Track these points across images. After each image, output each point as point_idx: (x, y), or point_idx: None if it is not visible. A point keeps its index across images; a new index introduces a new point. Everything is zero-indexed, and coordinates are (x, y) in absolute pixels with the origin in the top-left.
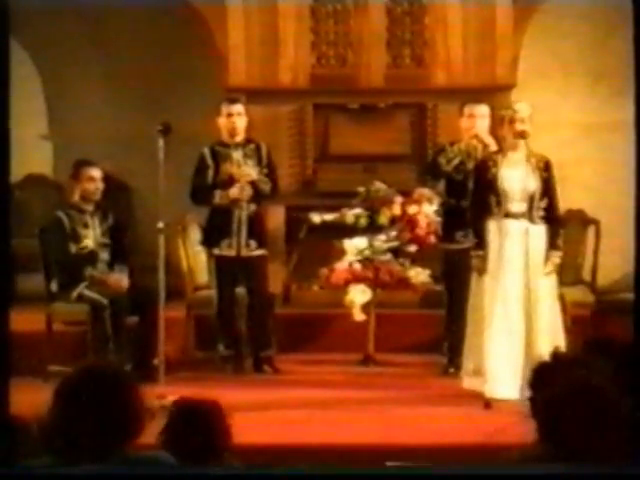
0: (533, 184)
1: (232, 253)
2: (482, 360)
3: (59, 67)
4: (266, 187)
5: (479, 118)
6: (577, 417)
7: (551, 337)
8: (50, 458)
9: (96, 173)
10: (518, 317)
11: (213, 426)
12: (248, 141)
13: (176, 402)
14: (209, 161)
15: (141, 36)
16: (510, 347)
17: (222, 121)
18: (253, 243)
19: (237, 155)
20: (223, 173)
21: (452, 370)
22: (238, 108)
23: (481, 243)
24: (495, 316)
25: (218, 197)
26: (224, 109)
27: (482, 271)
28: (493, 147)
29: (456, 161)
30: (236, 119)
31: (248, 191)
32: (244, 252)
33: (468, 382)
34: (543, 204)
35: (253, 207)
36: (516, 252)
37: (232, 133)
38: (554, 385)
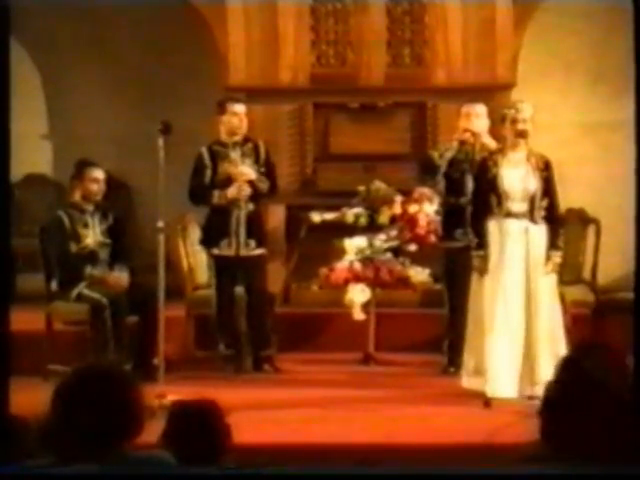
0: (534, 184)
1: (231, 253)
2: (482, 359)
3: (59, 66)
4: (264, 186)
5: (475, 117)
6: (580, 415)
7: (551, 336)
8: (50, 458)
9: (99, 174)
10: (518, 316)
11: (212, 427)
12: (246, 140)
13: (174, 405)
14: (207, 161)
15: (141, 35)
16: (510, 346)
17: (226, 119)
18: (252, 242)
19: (235, 154)
20: (221, 173)
21: (452, 369)
22: (243, 108)
23: (482, 243)
24: (496, 316)
25: (216, 197)
26: (230, 108)
27: (483, 271)
28: (489, 141)
29: (448, 154)
30: (241, 118)
31: (246, 191)
32: (243, 252)
33: (468, 381)
34: (544, 204)
35: (252, 206)
36: (517, 252)
37: (235, 132)
38: (556, 382)
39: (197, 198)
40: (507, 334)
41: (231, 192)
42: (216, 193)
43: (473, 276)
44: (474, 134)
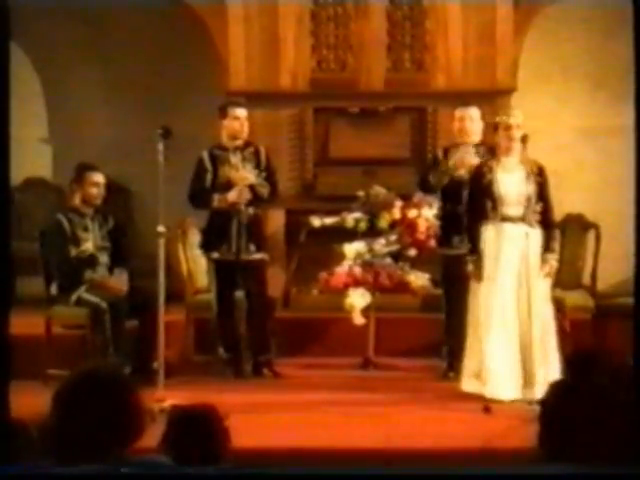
0: (528, 188)
1: (231, 257)
2: (482, 362)
3: (59, 70)
4: (265, 191)
5: (469, 121)
6: (580, 418)
7: (542, 340)
8: (50, 461)
9: (100, 179)
10: (514, 319)
11: (211, 432)
12: (247, 144)
13: (173, 410)
14: (208, 165)
15: (141, 39)
16: (507, 348)
17: (227, 123)
18: (252, 247)
19: (236, 159)
20: (222, 177)
21: (451, 374)
22: (244, 112)
23: (475, 248)
24: (492, 318)
25: (217, 201)
26: (231, 112)
27: (476, 275)
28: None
29: (445, 180)
30: (242, 122)
31: (246, 194)
32: (243, 256)
33: (468, 384)
34: (538, 208)
35: (252, 211)
36: (514, 255)
37: (236, 136)
38: (556, 387)
39: (197, 202)
40: (504, 336)
41: (232, 196)
42: (216, 197)
43: (472, 280)
44: (467, 166)
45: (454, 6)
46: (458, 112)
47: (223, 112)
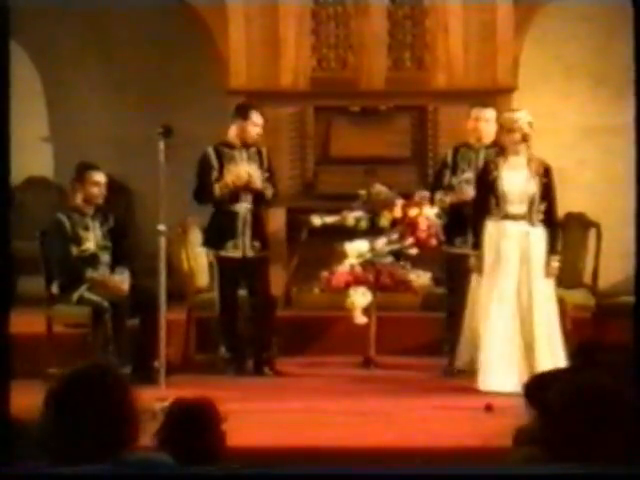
0: (533, 187)
1: (238, 254)
2: (477, 356)
3: (60, 69)
4: (270, 192)
5: (483, 122)
6: (581, 418)
7: (548, 339)
8: (48, 460)
9: (101, 178)
10: (512, 315)
11: (207, 426)
12: (251, 144)
13: (172, 403)
14: (214, 161)
15: (142, 38)
16: (505, 343)
17: (245, 126)
18: (257, 244)
19: (241, 157)
20: (227, 174)
21: (452, 373)
22: (261, 118)
23: (478, 243)
24: (490, 313)
25: (218, 190)
26: (255, 118)
27: (477, 269)
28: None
29: (447, 200)
30: (260, 129)
31: (244, 175)
32: (249, 253)
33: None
34: (542, 207)
35: (255, 208)
36: (514, 253)
37: (247, 140)
38: (556, 386)
39: (202, 198)
40: (501, 331)
41: (230, 178)
42: (217, 186)
43: (473, 276)
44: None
45: (455, 5)
46: (474, 112)
47: (244, 114)
